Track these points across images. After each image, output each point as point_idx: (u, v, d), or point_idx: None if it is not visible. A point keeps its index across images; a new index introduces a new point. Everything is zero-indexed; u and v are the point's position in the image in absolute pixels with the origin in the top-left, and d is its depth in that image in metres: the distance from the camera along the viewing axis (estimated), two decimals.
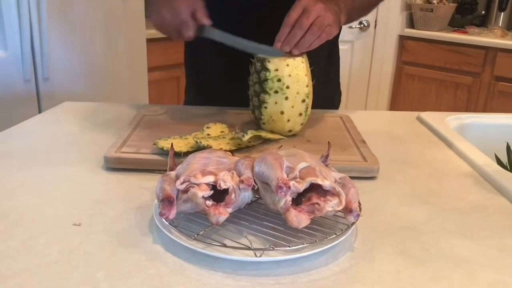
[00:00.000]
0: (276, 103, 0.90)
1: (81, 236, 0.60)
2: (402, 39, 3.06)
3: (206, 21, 0.94)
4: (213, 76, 1.22)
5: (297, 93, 0.90)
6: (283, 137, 0.92)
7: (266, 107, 0.91)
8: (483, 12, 3.09)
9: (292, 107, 0.90)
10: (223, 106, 1.13)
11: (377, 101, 3.21)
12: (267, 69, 0.89)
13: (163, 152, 0.80)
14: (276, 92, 0.89)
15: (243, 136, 0.83)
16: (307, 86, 0.91)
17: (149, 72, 2.41)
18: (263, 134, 0.89)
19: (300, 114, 0.92)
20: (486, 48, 2.74)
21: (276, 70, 0.89)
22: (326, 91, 0.98)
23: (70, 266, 0.54)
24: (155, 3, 0.95)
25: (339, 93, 1.34)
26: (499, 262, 0.58)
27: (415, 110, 1.93)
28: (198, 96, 1.28)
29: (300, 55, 0.91)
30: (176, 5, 0.92)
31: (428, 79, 2.99)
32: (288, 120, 0.92)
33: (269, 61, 0.89)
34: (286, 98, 0.89)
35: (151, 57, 2.41)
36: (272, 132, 0.93)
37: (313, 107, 0.95)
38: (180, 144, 0.81)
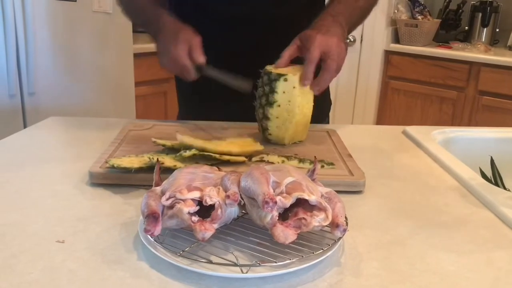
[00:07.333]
0: (279, 116, 0.94)
1: (64, 253, 0.59)
2: (388, 54, 3.10)
3: (201, 60, 0.94)
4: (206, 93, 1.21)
5: (299, 106, 0.94)
6: (242, 159, 0.86)
7: (271, 119, 0.94)
8: (466, 27, 3.15)
9: (297, 119, 0.94)
10: (215, 120, 1.12)
11: (364, 116, 3.24)
12: (274, 84, 0.92)
13: (151, 166, 0.77)
14: (279, 106, 0.93)
15: (185, 152, 0.81)
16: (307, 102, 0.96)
17: (136, 86, 2.41)
18: (214, 155, 0.83)
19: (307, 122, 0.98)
20: (470, 63, 2.78)
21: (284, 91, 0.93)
22: (316, 99, 0.99)
23: (53, 285, 0.52)
24: (159, 55, 0.98)
25: (329, 102, 1.35)
26: (485, 275, 0.58)
27: (401, 124, 1.95)
28: (188, 110, 1.27)
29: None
30: (173, 51, 0.93)
31: (414, 94, 3.03)
32: (294, 131, 0.96)
33: (278, 77, 0.92)
34: (291, 111, 0.93)
35: (138, 71, 2.41)
36: (270, 141, 0.97)
37: None
38: (134, 161, 0.79)
